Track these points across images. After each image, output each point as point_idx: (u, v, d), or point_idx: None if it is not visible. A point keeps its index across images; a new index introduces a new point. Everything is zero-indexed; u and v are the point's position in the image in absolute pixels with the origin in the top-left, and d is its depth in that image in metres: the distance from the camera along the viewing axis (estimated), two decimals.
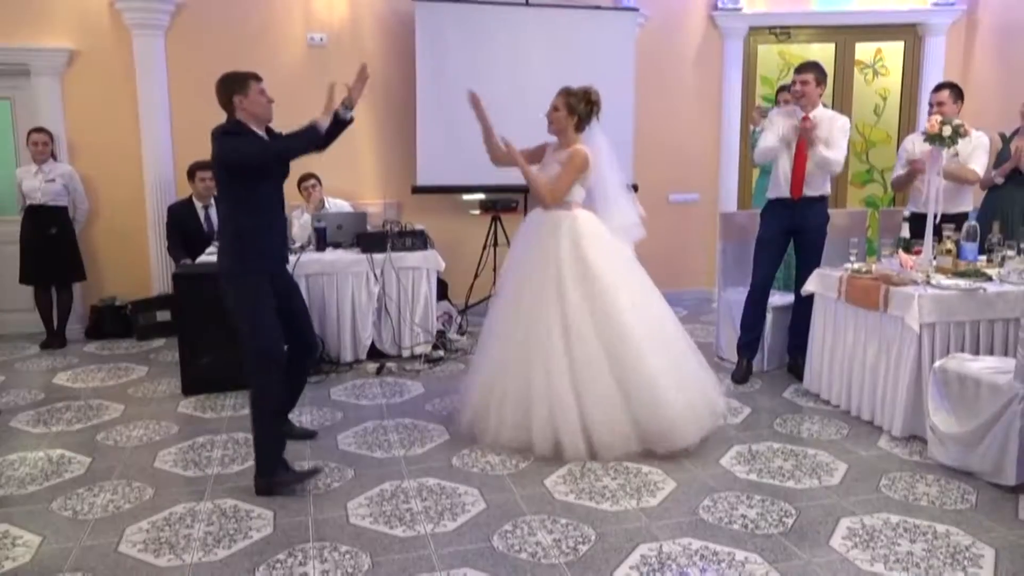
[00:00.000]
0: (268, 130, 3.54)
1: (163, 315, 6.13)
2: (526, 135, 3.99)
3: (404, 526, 3.11)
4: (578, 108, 3.86)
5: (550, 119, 3.90)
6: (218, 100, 3.46)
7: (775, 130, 4.68)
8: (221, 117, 3.47)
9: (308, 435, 4.07)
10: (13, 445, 4.02)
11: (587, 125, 3.90)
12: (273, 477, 3.40)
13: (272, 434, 3.46)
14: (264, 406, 3.43)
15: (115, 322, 6.24)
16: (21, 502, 3.37)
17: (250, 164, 3.39)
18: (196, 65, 6.21)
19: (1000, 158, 4.81)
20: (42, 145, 5.84)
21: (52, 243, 5.88)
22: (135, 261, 6.40)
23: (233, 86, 3.42)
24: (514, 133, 3.97)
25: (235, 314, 3.44)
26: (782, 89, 5.90)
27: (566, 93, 3.89)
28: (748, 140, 6.06)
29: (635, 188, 6.84)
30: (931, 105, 4.77)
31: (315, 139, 3.46)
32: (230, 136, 3.39)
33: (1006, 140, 4.85)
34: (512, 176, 4.11)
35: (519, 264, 3.95)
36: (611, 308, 3.69)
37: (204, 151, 5.65)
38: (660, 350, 3.75)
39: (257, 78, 3.48)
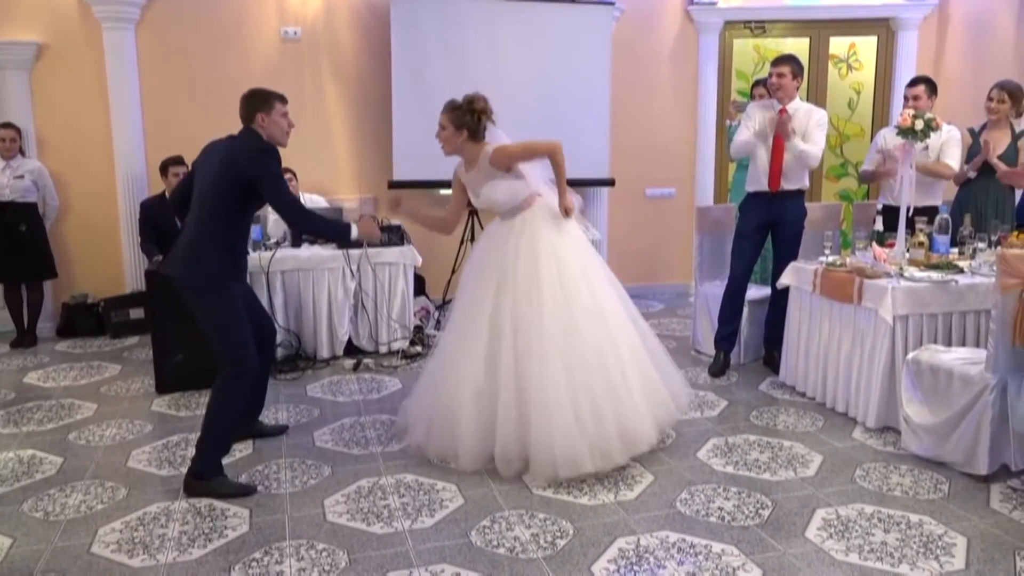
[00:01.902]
0: None
1: (136, 313, 6.05)
2: (502, 129, 3.96)
3: (382, 523, 3.09)
4: (464, 121, 3.58)
5: (440, 140, 3.65)
6: (240, 112, 3.43)
7: (751, 124, 4.70)
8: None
9: (280, 430, 4.05)
10: None
11: (482, 132, 3.63)
12: (210, 481, 3.33)
13: (227, 440, 3.45)
14: (231, 411, 3.39)
15: (87, 320, 6.15)
16: None
17: (283, 215, 3.52)
18: (167, 59, 6.14)
19: (971, 153, 4.86)
20: (9, 141, 5.73)
21: (21, 240, 5.77)
22: (107, 258, 6.32)
23: (259, 103, 3.40)
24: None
25: (210, 323, 3.36)
26: (757, 84, 5.93)
27: (451, 109, 3.61)
28: (724, 134, 6.08)
29: (612, 183, 6.91)
30: (906, 99, 4.81)
31: (340, 238, 3.79)
32: (272, 161, 3.37)
33: (975, 135, 4.91)
34: None
35: (476, 272, 3.74)
36: (571, 308, 3.48)
37: (176, 146, 5.69)
38: (617, 352, 3.53)
39: (283, 100, 3.47)
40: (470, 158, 3.67)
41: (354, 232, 3.54)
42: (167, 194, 5.90)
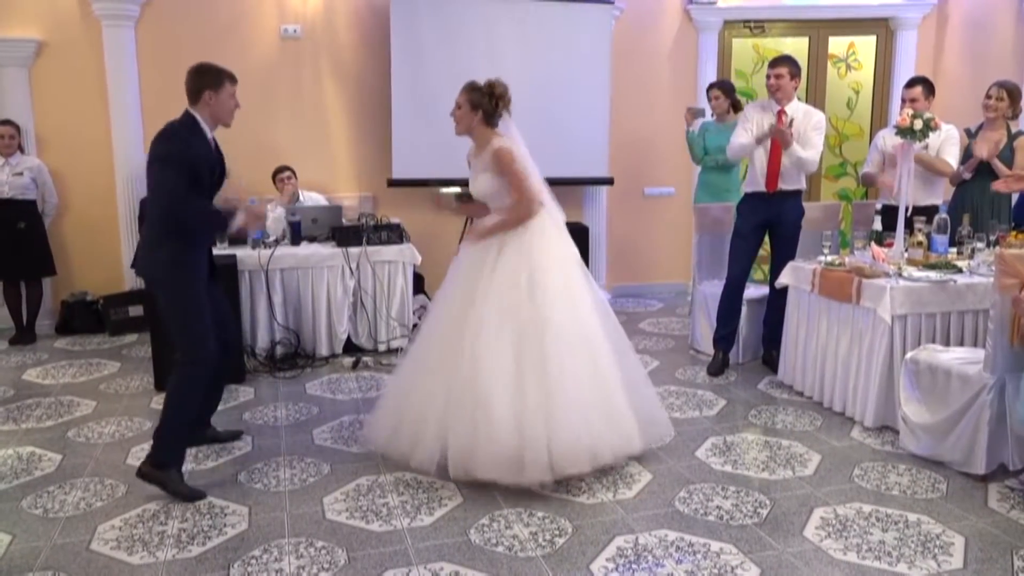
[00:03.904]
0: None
1: (135, 310, 6.05)
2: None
3: (380, 521, 3.10)
4: (482, 103, 3.55)
5: (454, 118, 3.62)
6: (186, 87, 3.35)
7: (748, 125, 4.69)
8: None
9: (234, 436, 3.93)
10: None
11: (497, 119, 3.60)
12: (165, 472, 3.28)
13: (185, 427, 3.39)
14: (188, 402, 3.35)
15: (86, 317, 6.15)
16: None
17: (153, 204, 3.29)
18: (167, 57, 6.12)
19: (966, 154, 4.87)
20: (8, 138, 5.74)
21: (20, 238, 5.77)
22: (106, 255, 6.31)
23: (209, 79, 3.33)
24: None
25: (168, 313, 3.34)
26: (712, 86, 5.94)
27: (469, 89, 3.59)
28: (685, 139, 6.08)
29: (611, 182, 6.92)
30: (904, 101, 4.81)
31: (222, 224, 3.44)
32: (169, 145, 3.23)
33: (971, 135, 4.92)
34: None
35: (458, 275, 3.65)
36: (548, 324, 3.36)
37: None
38: (585, 367, 3.40)
39: (233, 79, 3.41)
40: (479, 142, 3.63)
41: (238, 219, 3.41)
42: None
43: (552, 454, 3.23)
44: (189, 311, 3.31)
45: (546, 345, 3.34)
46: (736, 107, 5.87)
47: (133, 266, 3.47)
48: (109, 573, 2.76)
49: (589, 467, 3.34)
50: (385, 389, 3.97)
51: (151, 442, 3.36)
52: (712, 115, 5.97)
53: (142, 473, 3.31)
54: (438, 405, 3.39)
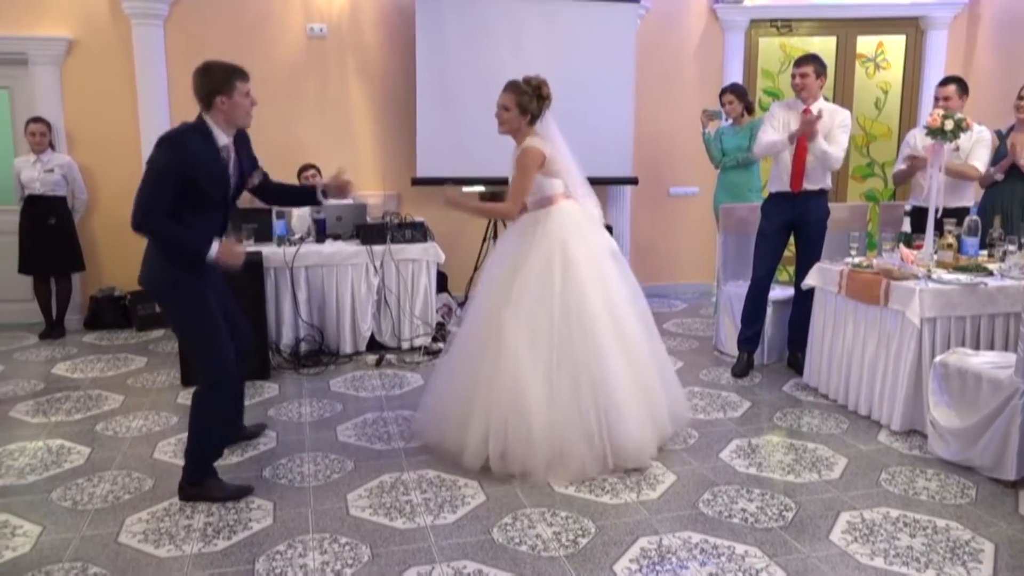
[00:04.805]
0: (241, 134, 3.28)
1: None
2: None
3: (404, 518, 3.11)
4: (530, 107, 3.55)
5: (499, 119, 3.60)
6: (195, 92, 3.10)
7: (776, 124, 4.65)
8: None
9: (259, 429, 3.95)
10: (13, 435, 4.02)
11: (539, 119, 3.61)
12: (203, 485, 3.26)
13: (212, 445, 3.31)
14: (212, 421, 3.24)
15: (114, 312, 6.24)
16: (21, 492, 3.37)
17: (135, 209, 2.98)
18: (195, 55, 6.06)
19: (997, 155, 4.80)
20: (40, 135, 5.82)
21: (51, 233, 5.86)
22: (134, 251, 6.18)
23: (216, 81, 3.06)
24: None
25: (181, 331, 3.26)
26: (724, 91, 5.90)
27: (516, 91, 3.55)
28: (702, 141, 6.04)
29: (635, 181, 6.89)
30: (936, 99, 4.74)
31: (193, 255, 3.09)
32: (166, 151, 2.99)
33: (1002, 137, 4.84)
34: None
35: (492, 269, 3.77)
36: (584, 316, 3.43)
37: None
38: (624, 360, 3.49)
39: (243, 76, 3.12)
40: (519, 140, 3.65)
41: (212, 253, 3.09)
42: None
43: (609, 449, 3.39)
44: (201, 331, 3.15)
45: (584, 338, 3.42)
46: (750, 110, 5.86)
47: (139, 281, 3.28)
48: (136, 565, 2.79)
49: (646, 459, 3.49)
50: (430, 384, 4.03)
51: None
52: (728, 119, 5.94)
53: (185, 495, 3.26)
54: (480, 402, 3.45)
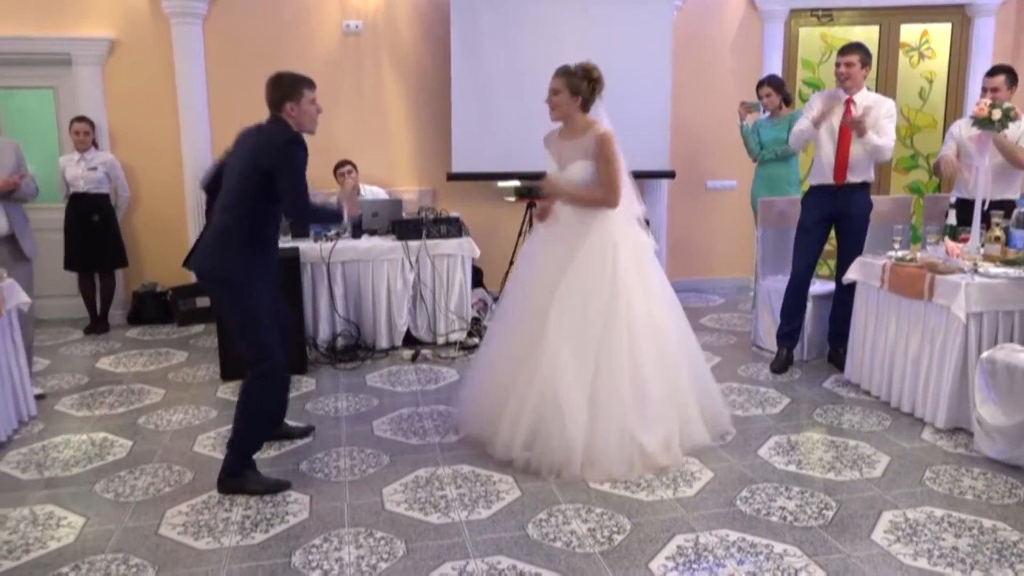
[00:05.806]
0: None
1: (203, 301, 6.20)
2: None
3: (439, 513, 3.11)
4: (580, 88, 3.48)
5: (551, 104, 3.54)
6: (267, 98, 3.30)
7: (811, 114, 4.56)
8: (257, 105, 3.43)
9: (306, 432, 3.94)
10: (58, 428, 4.11)
11: (592, 104, 3.55)
12: (242, 476, 3.29)
13: (257, 439, 3.36)
14: (260, 409, 3.31)
15: (156, 308, 6.35)
16: (66, 484, 3.44)
17: (289, 204, 3.27)
18: (233, 53, 6.26)
19: None
20: (83, 134, 5.94)
21: (95, 230, 5.98)
22: (175, 248, 6.44)
23: (286, 90, 3.26)
24: (548, 120, 3.85)
25: (234, 320, 3.30)
26: (761, 84, 5.80)
27: (565, 73, 3.50)
28: (740, 133, 5.94)
29: (672, 175, 6.82)
30: (984, 90, 4.61)
31: (335, 221, 3.98)
32: (298, 150, 3.21)
33: None
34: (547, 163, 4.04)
35: (531, 259, 3.75)
36: (633, 326, 3.43)
37: None
38: (660, 371, 3.48)
39: (311, 85, 3.33)
40: (575, 128, 3.56)
41: (345, 216, 3.74)
42: None
43: (637, 448, 3.37)
44: (257, 319, 3.24)
45: (628, 348, 3.41)
46: (788, 102, 5.77)
47: (186, 264, 3.40)
48: (176, 557, 2.83)
49: (671, 459, 3.44)
50: (467, 378, 4.06)
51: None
52: (766, 111, 5.84)
53: (224, 487, 3.30)
54: (516, 396, 3.47)
